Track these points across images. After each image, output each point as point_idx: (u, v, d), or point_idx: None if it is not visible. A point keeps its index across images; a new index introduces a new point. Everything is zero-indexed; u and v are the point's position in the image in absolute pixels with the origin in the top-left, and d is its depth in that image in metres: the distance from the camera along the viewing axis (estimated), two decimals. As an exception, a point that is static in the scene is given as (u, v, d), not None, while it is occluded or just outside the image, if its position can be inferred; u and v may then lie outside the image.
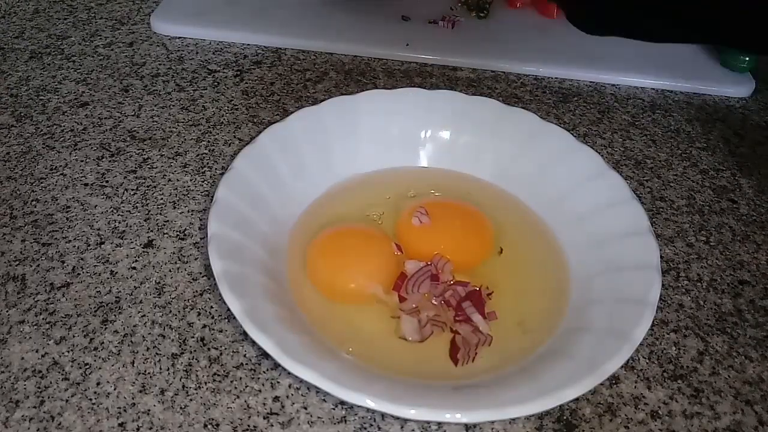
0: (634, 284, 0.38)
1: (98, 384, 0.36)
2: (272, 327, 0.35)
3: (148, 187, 0.47)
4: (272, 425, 0.35)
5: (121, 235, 0.44)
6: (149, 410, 0.35)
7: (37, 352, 0.37)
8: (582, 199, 0.44)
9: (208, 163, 0.50)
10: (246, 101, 0.56)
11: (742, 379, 0.39)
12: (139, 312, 0.40)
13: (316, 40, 0.62)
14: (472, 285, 0.40)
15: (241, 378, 0.37)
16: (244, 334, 0.38)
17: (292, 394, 0.36)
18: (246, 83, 0.57)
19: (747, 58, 0.61)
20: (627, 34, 0.58)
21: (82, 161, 0.49)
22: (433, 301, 0.40)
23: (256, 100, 0.56)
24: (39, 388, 0.36)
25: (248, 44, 0.62)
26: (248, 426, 0.35)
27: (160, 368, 0.37)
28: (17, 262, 0.42)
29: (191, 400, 0.36)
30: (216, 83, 0.57)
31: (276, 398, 0.36)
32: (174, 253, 0.43)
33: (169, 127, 0.52)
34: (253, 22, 0.63)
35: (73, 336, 0.38)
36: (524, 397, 0.32)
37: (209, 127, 0.53)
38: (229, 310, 0.36)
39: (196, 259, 0.43)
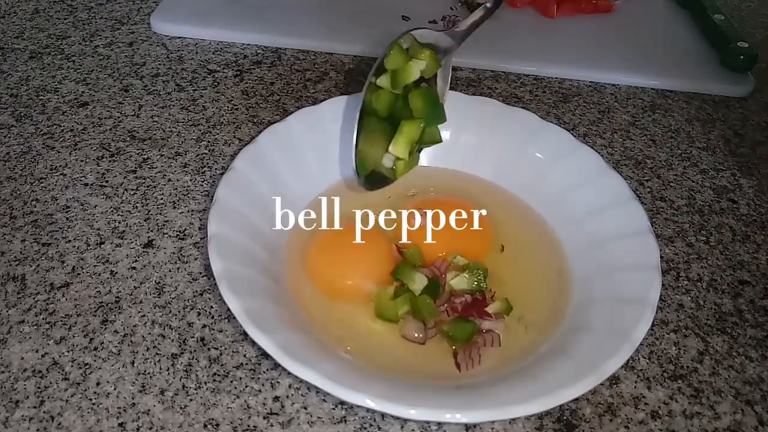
0: (634, 284, 0.38)
1: (98, 384, 0.36)
2: (272, 327, 0.35)
3: (148, 187, 0.47)
4: (272, 425, 0.35)
5: (121, 235, 0.44)
6: (149, 410, 0.35)
7: (37, 352, 0.37)
8: (582, 199, 0.44)
9: (208, 163, 0.50)
10: (246, 101, 0.56)
11: (742, 379, 0.39)
12: (139, 312, 0.40)
13: (316, 40, 0.62)
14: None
15: (241, 378, 0.37)
16: (244, 334, 0.38)
17: (292, 394, 0.36)
18: (246, 83, 0.57)
19: (747, 58, 0.61)
20: None
21: (82, 161, 0.49)
22: (440, 309, 0.39)
23: (256, 100, 0.56)
24: (39, 388, 0.36)
25: (248, 44, 0.62)
26: (248, 426, 0.35)
27: (160, 368, 0.37)
28: (17, 262, 0.42)
29: (191, 400, 0.36)
30: (216, 83, 0.57)
31: (276, 398, 0.36)
32: (174, 253, 0.43)
33: (169, 127, 0.52)
34: (253, 22, 0.63)
35: (73, 336, 0.38)
36: (524, 397, 0.32)
37: (209, 127, 0.53)
38: (229, 310, 0.36)
39: (196, 259, 0.43)
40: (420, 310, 0.38)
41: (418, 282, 0.39)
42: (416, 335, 0.38)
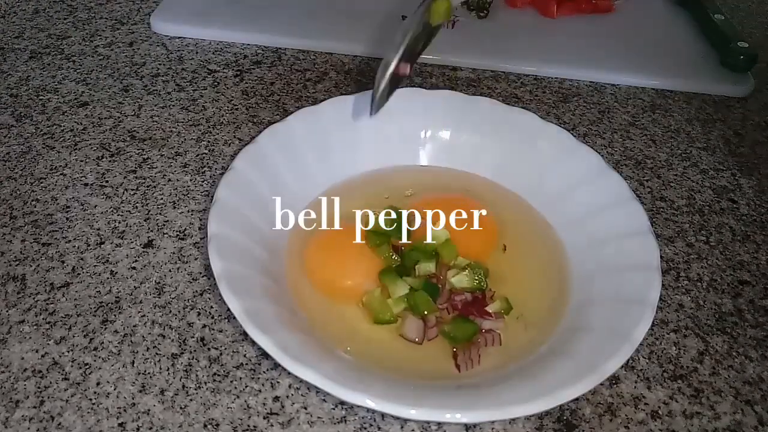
0: (634, 284, 0.38)
1: (98, 384, 0.36)
2: (272, 327, 0.35)
3: (148, 187, 0.47)
4: (272, 425, 0.35)
5: (121, 235, 0.44)
6: (149, 410, 0.35)
7: (37, 352, 0.37)
8: (582, 199, 0.44)
9: (208, 163, 0.50)
10: (246, 101, 0.56)
11: (742, 379, 0.39)
12: (139, 312, 0.40)
13: (316, 40, 0.62)
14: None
15: (241, 378, 0.37)
16: (244, 334, 0.38)
17: (292, 394, 0.36)
18: (246, 83, 0.57)
19: (747, 58, 0.61)
20: None
21: (82, 161, 0.49)
22: (439, 306, 0.39)
23: (256, 100, 0.56)
24: (39, 388, 0.36)
25: (248, 44, 0.62)
26: (248, 426, 0.35)
27: (160, 368, 0.37)
28: (17, 262, 0.42)
29: (191, 400, 0.36)
30: (216, 83, 0.57)
31: (276, 398, 0.36)
32: (174, 253, 0.43)
33: (169, 127, 0.52)
34: (253, 22, 0.63)
35: (73, 336, 0.38)
36: (524, 397, 0.32)
37: (209, 127, 0.53)
38: (229, 310, 0.36)
39: (196, 259, 0.43)
40: (417, 305, 0.38)
41: (400, 289, 0.39)
42: (415, 337, 0.38)
